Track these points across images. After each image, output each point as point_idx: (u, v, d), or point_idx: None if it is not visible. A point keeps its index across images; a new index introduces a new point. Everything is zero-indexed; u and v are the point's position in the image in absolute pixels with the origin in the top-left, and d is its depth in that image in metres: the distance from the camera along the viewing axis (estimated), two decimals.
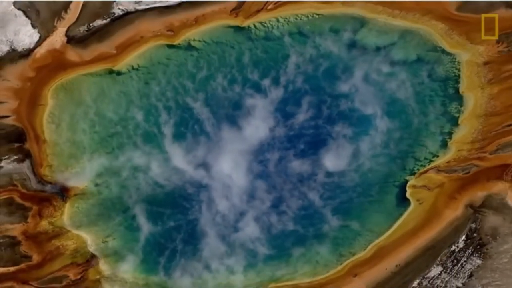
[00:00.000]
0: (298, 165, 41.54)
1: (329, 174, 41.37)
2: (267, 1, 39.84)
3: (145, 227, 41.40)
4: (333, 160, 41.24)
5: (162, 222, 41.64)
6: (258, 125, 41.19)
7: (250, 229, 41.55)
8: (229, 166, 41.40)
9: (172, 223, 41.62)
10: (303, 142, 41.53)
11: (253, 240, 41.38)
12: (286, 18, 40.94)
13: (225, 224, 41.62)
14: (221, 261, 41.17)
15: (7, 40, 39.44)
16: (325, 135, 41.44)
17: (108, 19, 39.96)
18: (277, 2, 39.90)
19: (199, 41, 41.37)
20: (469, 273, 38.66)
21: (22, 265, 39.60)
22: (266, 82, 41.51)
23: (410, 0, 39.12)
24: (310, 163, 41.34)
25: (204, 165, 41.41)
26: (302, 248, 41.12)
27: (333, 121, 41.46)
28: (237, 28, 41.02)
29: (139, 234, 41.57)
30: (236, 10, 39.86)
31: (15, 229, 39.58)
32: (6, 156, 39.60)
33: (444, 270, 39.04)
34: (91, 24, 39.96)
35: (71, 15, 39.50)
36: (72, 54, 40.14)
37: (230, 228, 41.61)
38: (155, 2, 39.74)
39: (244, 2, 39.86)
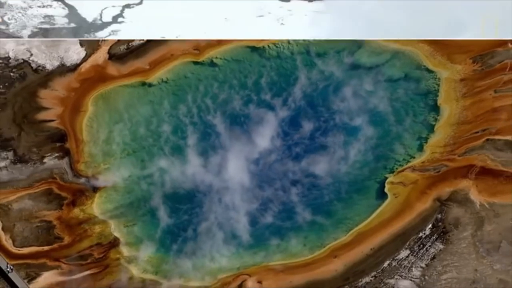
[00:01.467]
0: (303, 168, 44.96)
1: (324, 175, 44.84)
2: None
3: (163, 218, 44.44)
4: (328, 163, 44.81)
5: (177, 215, 44.73)
6: (264, 133, 44.88)
7: (263, 219, 45.14)
8: (235, 169, 44.70)
9: (185, 216, 44.79)
10: (304, 149, 45.06)
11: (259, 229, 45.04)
12: (296, 40, 44.92)
13: (233, 217, 44.71)
14: (233, 244, 44.72)
15: (59, 56, 43.10)
16: (323, 141, 45.00)
17: (145, 40, 43.78)
18: None
19: (221, 58, 45.13)
20: (432, 256, 41.85)
21: (55, 245, 42.78)
22: (275, 95, 44.94)
23: None
24: (315, 166, 44.93)
25: (214, 169, 44.80)
26: (298, 234, 44.69)
27: (331, 128, 44.90)
28: (254, 48, 45.07)
29: (157, 223, 44.57)
30: None
31: (52, 215, 43.08)
32: (49, 154, 43.38)
33: (411, 253, 42.14)
34: (130, 44, 43.64)
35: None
36: (112, 69, 44.16)
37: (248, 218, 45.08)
38: None
39: None
